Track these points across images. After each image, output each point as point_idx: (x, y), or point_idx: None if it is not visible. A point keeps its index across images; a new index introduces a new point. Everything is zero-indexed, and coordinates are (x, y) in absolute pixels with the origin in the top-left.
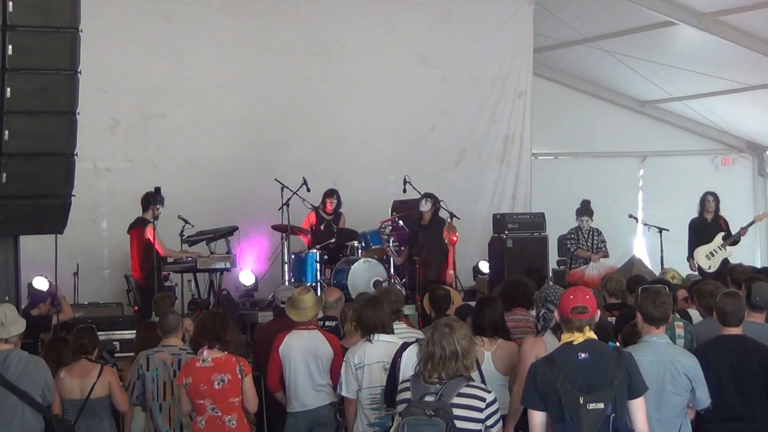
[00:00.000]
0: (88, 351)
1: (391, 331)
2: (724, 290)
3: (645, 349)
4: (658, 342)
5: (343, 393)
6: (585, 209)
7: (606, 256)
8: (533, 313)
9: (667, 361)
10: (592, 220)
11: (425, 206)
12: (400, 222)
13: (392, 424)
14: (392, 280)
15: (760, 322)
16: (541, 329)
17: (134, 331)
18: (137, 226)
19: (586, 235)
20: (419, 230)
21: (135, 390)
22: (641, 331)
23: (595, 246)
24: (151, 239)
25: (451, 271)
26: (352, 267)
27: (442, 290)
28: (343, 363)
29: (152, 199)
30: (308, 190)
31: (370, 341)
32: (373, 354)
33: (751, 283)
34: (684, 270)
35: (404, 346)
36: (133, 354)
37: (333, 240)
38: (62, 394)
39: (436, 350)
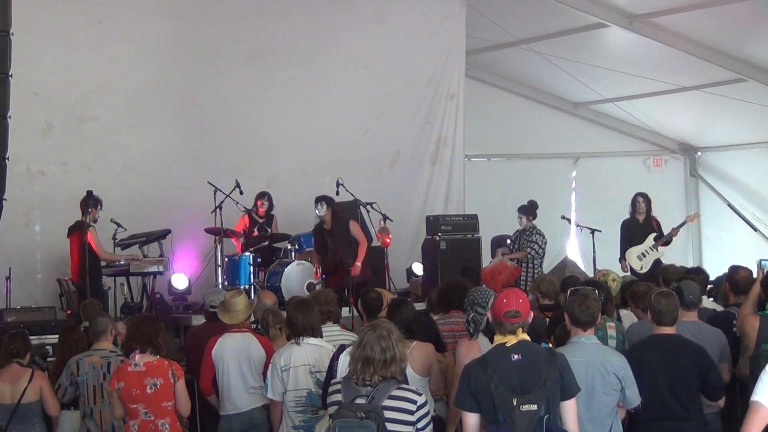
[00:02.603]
0: (19, 355)
1: (319, 335)
2: (658, 290)
3: (574, 349)
4: (587, 342)
5: (269, 395)
6: (522, 207)
7: (527, 256)
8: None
9: (596, 361)
10: (527, 220)
11: (321, 210)
12: None
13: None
14: (325, 283)
15: (694, 320)
16: (473, 332)
17: None
18: (77, 230)
19: (522, 234)
20: (326, 236)
21: (67, 394)
22: (570, 332)
23: (521, 245)
24: (91, 243)
25: (358, 264)
26: (285, 270)
27: (374, 293)
28: (269, 365)
29: (87, 203)
30: (241, 192)
31: (298, 344)
32: (299, 357)
33: (679, 283)
34: (617, 271)
35: (341, 348)
36: (55, 358)
37: (265, 242)
38: None
39: (376, 354)
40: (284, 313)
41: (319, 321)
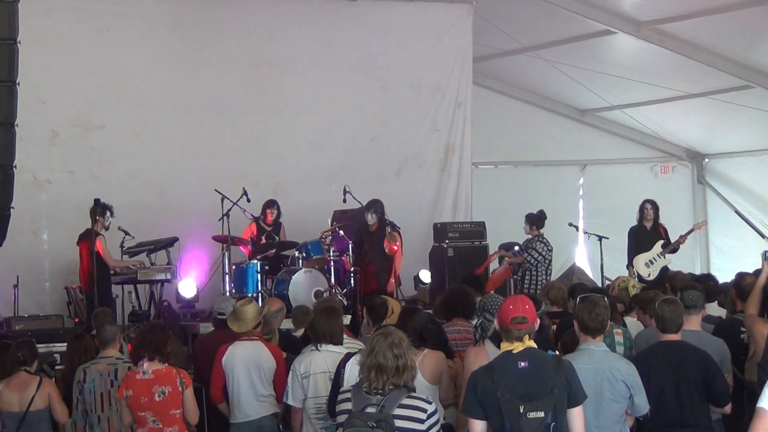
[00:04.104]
0: (26, 363)
1: (339, 342)
2: (662, 297)
3: (582, 356)
4: (596, 350)
5: (290, 402)
6: (529, 215)
7: (525, 262)
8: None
9: (604, 368)
10: (531, 229)
11: (371, 219)
12: (341, 232)
13: None
14: (333, 290)
15: (696, 329)
16: (479, 338)
17: None
18: (87, 238)
19: (529, 243)
20: (366, 237)
21: (79, 404)
22: (578, 339)
23: (524, 252)
24: (100, 251)
25: (393, 280)
26: (293, 277)
27: (379, 299)
28: (290, 372)
29: (99, 211)
30: (248, 200)
31: (318, 350)
32: (319, 364)
33: (681, 292)
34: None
35: (347, 356)
36: (63, 366)
37: (272, 250)
38: (1, 406)
39: (389, 362)
40: (274, 323)
41: (341, 328)
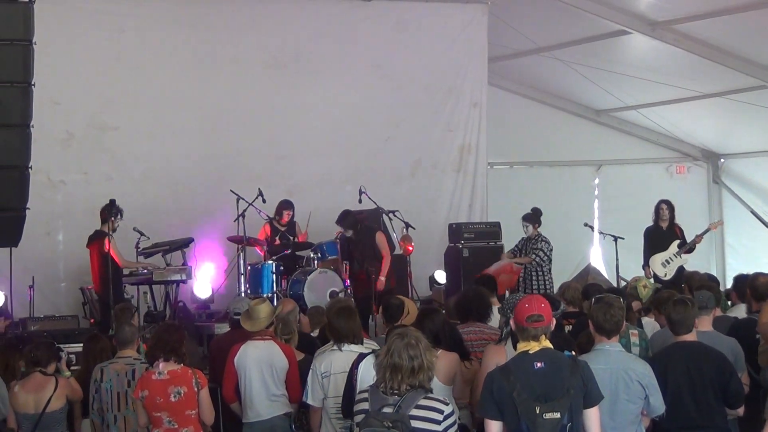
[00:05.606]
0: (41, 364)
1: (360, 342)
2: (674, 298)
3: (598, 357)
4: (611, 350)
5: (309, 401)
6: (526, 215)
7: (532, 262)
8: (491, 324)
9: (620, 369)
10: (533, 228)
11: (348, 232)
12: None
13: None
14: (348, 291)
15: (707, 330)
16: (504, 337)
17: None
18: (96, 239)
19: (528, 242)
20: (351, 245)
21: (95, 403)
22: (594, 339)
23: (527, 252)
24: (111, 252)
25: (383, 278)
26: (308, 278)
27: (396, 300)
28: (310, 371)
29: (109, 212)
30: (264, 201)
31: (339, 350)
32: (339, 363)
33: (696, 292)
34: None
35: (360, 356)
36: (79, 367)
37: (288, 251)
38: (16, 408)
39: (404, 362)
40: (293, 323)
41: (360, 328)
